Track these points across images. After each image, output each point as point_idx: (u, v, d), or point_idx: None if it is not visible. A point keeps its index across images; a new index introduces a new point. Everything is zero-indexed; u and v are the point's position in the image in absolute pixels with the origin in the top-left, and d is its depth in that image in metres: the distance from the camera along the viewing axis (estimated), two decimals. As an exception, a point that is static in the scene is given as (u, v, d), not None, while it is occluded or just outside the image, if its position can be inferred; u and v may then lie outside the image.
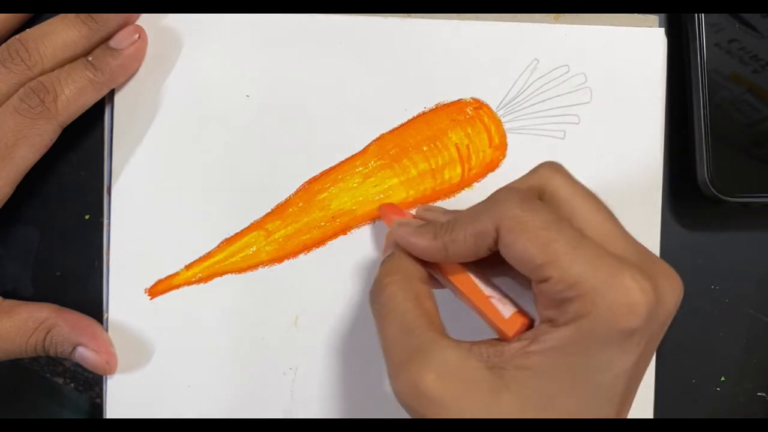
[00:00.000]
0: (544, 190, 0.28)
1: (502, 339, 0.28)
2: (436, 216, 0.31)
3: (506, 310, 0.28)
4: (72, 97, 0.32)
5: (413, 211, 0.34)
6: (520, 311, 0.28)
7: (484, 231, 0.27)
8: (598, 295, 0.25)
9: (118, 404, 0.35)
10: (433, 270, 0.30)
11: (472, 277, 0.29)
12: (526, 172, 0.29)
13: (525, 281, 0.28)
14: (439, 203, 0.36)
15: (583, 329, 0.25)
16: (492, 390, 0.25)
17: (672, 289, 0.27)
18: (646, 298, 0.25)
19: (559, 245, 0.25)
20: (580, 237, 0.26)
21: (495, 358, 0.26)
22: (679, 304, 0.27)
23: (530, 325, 0.28)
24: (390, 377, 0.27)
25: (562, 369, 0.25)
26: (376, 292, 0.29)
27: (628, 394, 0.27)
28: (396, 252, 0.30)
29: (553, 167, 0.29)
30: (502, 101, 0.36)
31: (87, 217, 0.36)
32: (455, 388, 0.25)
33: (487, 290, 0.29)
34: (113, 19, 0.32)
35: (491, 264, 0.28)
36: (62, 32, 0.32)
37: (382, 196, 0.36)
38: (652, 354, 0.27)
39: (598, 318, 0.25)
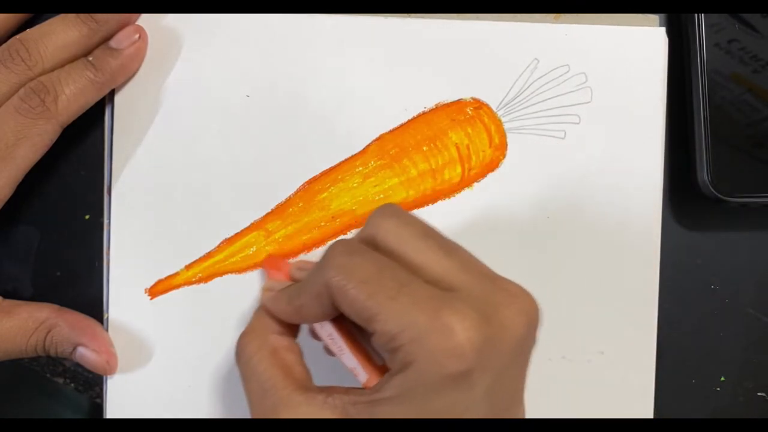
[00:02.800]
0: (375, 238, 0.28)
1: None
2: (302, 276, 0.31)
3: (362, 372, 0.28)
4: (72, 97, 0.32)
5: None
6: (377, 367, 0.28)
7: (319, 292, 0.27)
8: (417, 343, 0.24)
9: (118, 404, 0.35)
10: (310, 328, 0.30)
11: (337, 337, 0.29)
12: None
13: None
14: (439, 203, 0.36)
15: (411, 378, 0.25)
16: None
17: (518, 313, 0.26)
18: (468, 336, 0.24)
19: (380, 297, 0.25)
20: (400, 285, 0.25)
21: (349, 407, 0.26)
22: (534, 324, 0.27)
23: None
24: None
25: (404, 415, 0.25)
26: (237, 353, 0.29)
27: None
28: (257, 310, 0.31)
29: (382, 213, 0.28)
30: (502, 101, 0.36)
31: (87, 217, 0.36)
32: None
33: (347, 351, 0.28)
34: (113, 19, 0.32)
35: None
36: (62, 32, 0.32)
37: (382, 196, 0.36)
38: (519, 376, 0.27)
39: (421, 366, 0.24)
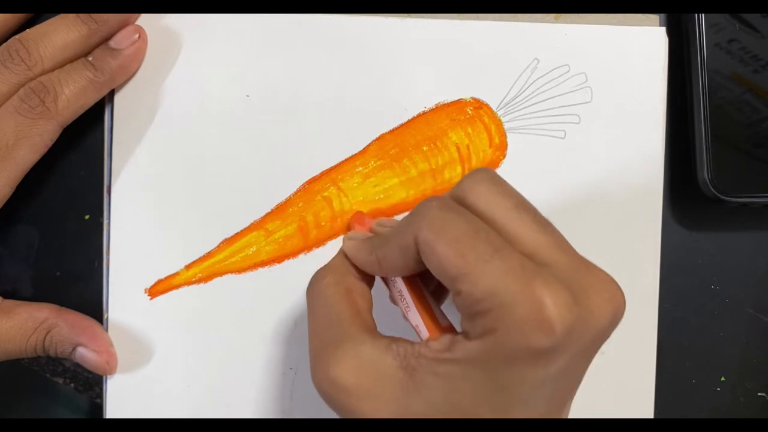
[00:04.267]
0: (466, 200, 0.27)
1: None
2: (384, 230, 0.31)
3: (424, 331, 0.28)
4: (72, 97, 0.32)
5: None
6: (441, 328, 0.28)
7: (406, 244, 0.26)
8: (505, 310, 0.24)
9: (118, 404, 0.35)
10: (382, 281, 0.30)
11: (406, 293, 0.29)
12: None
13: None
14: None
15: (490, 345, 0.24)
16: (403, 389, 0.25)
17: (607, 302, 0.25)
18: (560, 314, 0.23)
19: (472, 257, 0.24)
20: (495, 249, 0.24)
21: (411, 358, 0.26)
22: (619, 317, 0.26)
23: None
24: (310, 367, 0.27)
25: (471, 380, 0.25)
26: (312, 283, 0.29)
27: (553, 407, 0.26)
28: (338, 253, 0.31)
29: (477, 176, 0.27)
30: (502, 101, 0.36)
31: (87, 217, 0.36)
32: (367, 381, 0.26)
33: (413, 308, 0.28)
34: (113, 19, 0.32)
35: (443, 286, 0.29)
36: (62, 32, 0.32)
37: (382, 196, 0.36)
38: (585, 368, 0.27)
39: (505, 335, 0.24)
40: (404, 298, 0.29)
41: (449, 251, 0.25)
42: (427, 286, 0.30)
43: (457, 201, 0.27)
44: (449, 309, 0.29)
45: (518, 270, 0.24)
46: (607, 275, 0.26)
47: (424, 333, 0.28)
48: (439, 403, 0.25)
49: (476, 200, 0.26)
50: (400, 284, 0.29)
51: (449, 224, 0.25)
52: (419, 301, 0.29)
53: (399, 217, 0.36)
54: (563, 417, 0.27)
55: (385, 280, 0.30)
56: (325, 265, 0.30)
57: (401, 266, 0.28)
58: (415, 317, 0.28)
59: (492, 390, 0.25)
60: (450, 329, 0.28)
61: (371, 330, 0.27)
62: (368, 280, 0.30)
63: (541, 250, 0.26)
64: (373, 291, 0.30)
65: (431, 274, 0.27)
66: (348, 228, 0.35)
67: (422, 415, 0.25)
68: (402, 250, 0.27)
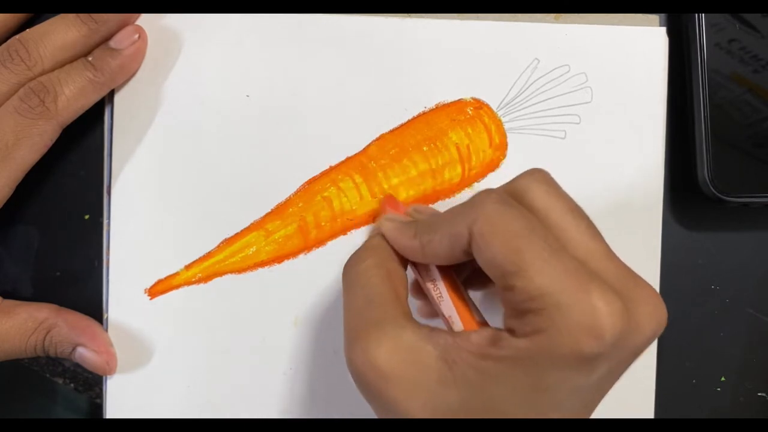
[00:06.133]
0: (523, 198, 0.27)
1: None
2: (424, 217, 0.31)
3: (458, 322, 0.27)
4: (72, 97, 0.32)
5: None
6: (474, 321, 0.28)
7: (458, 233, 0.26)
8: (559, 312, 0.23)
9: (118, 404, 0.35)
10: (414, 269, 0.30)
11: (441, 283, 0.28)
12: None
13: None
14: (440, 203, 0.36)
15: (539, 345, 0.24)
16: (440, 380, 0.25)
17: (651, 316, 0.25)
18: (612, 322, 0.23)
19: (529, 255, 0.24)
20: (553, 249, 0.24)
21: (451, 350, 0.25)
22: (659, 332, 0.26)
23: None
24: (345, 345, 0.27)
25: (512, 378, 0.24)
26: (351, 263, 0.29)
27: (584, 413, 0.26)
28: (374, 236, 0.30)
29: (534, 176, 0.27)
30: (502, 101, 0.36)
31: (87, 217, 0.36)
32: (405, 368, 0.25)
33: (447, 299, 0.28)
34: (113, 19, 0.32)
35: (476, 277, 0.28)
36: (62, 32, 0.32)
37: (382, 196, 0.36)
38: (619, 376, 0.26)
39: (555, 336, 0.24)
40: (438, 288, 0.28)
41: (506, 246, 0.24)
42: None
43: (513, 196, 0.27)
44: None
45: (575, 273, 0.24)
46: (653, 290, 0.26)
47: (458, 325, 0.27)
48: (474, 399, 0.25)
49: (533, 199, 0.26)
50: (435, 273, 0.28)
51: (507, 219, 0.25)
52: (455, 292, 0.28)
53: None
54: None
55: (417, 268, 0.29)
56: (363, 247, 0.30)
57: (446, 254, 0.27)
58: (449, 308, 0.28)
59: (532, 391, 0.24)
60: (485, 324, 0.28)
61: (410, 317, 0.27)
62: (405, 265, 0.30)
63: (594, 257, 0.25)
64: None
65: (460, 267, 0.27)
66: (379, 210, 0.34)
67: (455, 409, 0.25)
68: (452, 238, 0.26)
